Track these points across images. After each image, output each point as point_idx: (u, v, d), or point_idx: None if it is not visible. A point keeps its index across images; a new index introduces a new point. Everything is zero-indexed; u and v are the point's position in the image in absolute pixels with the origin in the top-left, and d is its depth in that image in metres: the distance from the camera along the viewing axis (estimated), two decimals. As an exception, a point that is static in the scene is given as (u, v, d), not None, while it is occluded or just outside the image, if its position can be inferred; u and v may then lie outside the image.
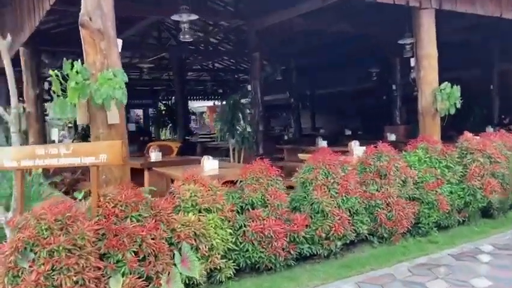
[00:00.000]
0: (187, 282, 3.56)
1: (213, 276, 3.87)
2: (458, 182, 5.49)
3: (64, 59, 3.66)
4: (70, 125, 14.55)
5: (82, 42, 3.88)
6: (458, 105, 6.15)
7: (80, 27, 3.82)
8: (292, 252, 4.20)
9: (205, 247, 3.71)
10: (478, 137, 6.08)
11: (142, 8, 8.26)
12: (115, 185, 3.83)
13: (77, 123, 3.83)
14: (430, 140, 5.72)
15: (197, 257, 3.67)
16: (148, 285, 3.37)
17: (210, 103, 23.77)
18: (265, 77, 13.47)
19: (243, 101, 8.99)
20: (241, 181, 4.31)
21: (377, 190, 4.92)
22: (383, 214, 4.82)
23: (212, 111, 21.04)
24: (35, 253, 3.15)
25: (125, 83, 3.84)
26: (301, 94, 17.66)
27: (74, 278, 3.12)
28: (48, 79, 4.04)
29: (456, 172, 5.50)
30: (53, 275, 3.10)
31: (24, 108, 7.51)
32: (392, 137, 10.31)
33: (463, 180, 5.52)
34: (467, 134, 6.01)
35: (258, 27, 9.04)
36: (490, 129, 9.31)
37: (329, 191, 4.52)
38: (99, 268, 3.26)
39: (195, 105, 26.66)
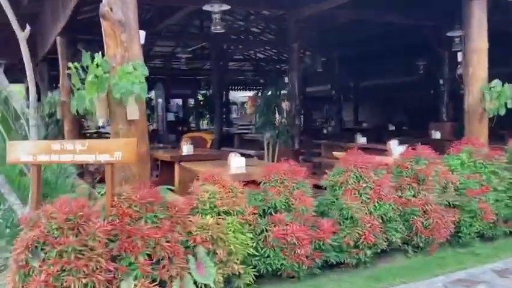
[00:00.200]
0: (202, 288, 3.40)
1: (231, 282, 3.68)
2: (506, 190, 5.03)
3: (83, 51, 3.53)
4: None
5: (103, 34, 3.75)
6: (510, 105, 5.65)
7: (100, 19, 3.69)
8: (317, 260, 3.95)
9: (223, 252, 3.52)
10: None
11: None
12: (133, 183, 3.71)
13: (96, 118, 3.71)
14: (475, 142, 5.29)
15: (214, 262, 3.49)
16: (160, 290, 3.23)
17: (252, 93, 23.54)
18: (304, 69, 13.13)
19: (283, 92, 8.72)
20: (264, 182, 4.08)
21: (413, 196, 4.57)
22: (419, 222, 4.47)
23: (253, 102, 20.85)
24: (45, 253, 3.07)
25: (146, 77, 3.68)
26: (344, 86, 17.16)
27: (84, 281, 3.02)
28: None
29: (503, 179, 5.05)
30: (62, 276, 3.02)
31: (59, 98, 7.58)
32: (437, 135, 9.79)
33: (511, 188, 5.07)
34: (519, 137, 5.53)
35: (298, 17, 8.71)
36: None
37: (360, 196, 4.22)
38: (110, 270, 3.15)
39: (237, 95, 26.57)
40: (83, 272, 3.02)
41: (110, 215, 3.30)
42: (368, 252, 4.18)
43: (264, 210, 3.95)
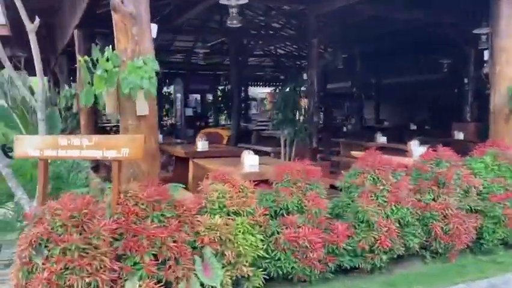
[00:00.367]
0: (209, 290, 3.29)
1: (240, 285, 3.56)
2: (533, 195, 4.78)
3: (93, 44, 3.45)
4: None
5: (114, 27, 3.65)
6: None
7: (112, 11, 3.59)
8: (330, 264, 3.80)
9: (232, 253, 3.41)
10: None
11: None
12: (142, 180, 3.62)
13: (106, 113, 3.63)
14: (501, 144, 5.04)
15: (222, 264, 3.38)
16: (166, 291, 3.13)
17: (271, 89, 23.36)
18: (324, 65, 12.90)
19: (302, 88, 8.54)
20: (276, 183, 3.93)
21: (433, 200, 4.37)
22: (438, 227, 4.27)
23: (272, 98, 20.69)
24: (49, 250, 3.00)
25: (156, 72, 3.57)
26: (366, 83, 16.84)
27: (87, 280, 2.94)
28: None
29: (530, 183, 4.80)
30: (65, 275, 2.94)
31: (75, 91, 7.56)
32: (460, 135, 9.49)
33: (539, 193, 4.81)
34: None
35: (318, 12, 8.52)
36: None
37: (377, 198, 4.05)
38: (114, 270, 3.07)
39: (257, 91, 26.40)
40: (87, 270, 2.94)
41: (116, 213, 3.21)
42: (384, 257, 4.01)
43: (275, 211, 3.82)
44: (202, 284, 3.25)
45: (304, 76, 8.98)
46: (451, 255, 4.40)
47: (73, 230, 3.01)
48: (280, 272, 3.69)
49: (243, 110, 19.03)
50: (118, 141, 3.26)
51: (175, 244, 3.21)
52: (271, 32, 14.28)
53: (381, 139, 8.56)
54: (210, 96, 17.59)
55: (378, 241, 3.90)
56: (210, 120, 17.86)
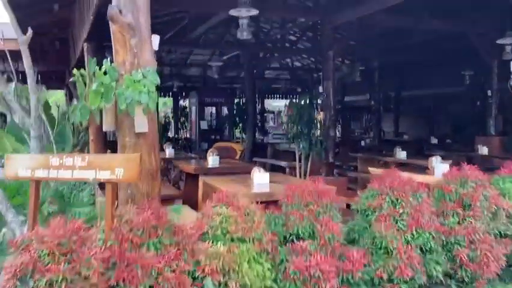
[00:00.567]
0: (210, 325, 2.99)
1: (245, 318, 3.26)
2: None
3: (89, 57, 3.22)
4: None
5: (112, 39, 3.43)
6: None
7: (109, 22, 3.37)
8: (344, 295, 3.47)
9: (236, 284, 3.11)
10: None
11: (190, 2, 7.86)
12: (140, 202, 3.36)
13: (104, 129, 3.40)
14: (532, 162, 4.67)
15: (225, 296, 3.08)
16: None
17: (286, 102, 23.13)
18: (341, 78, 12.59)
19: (319, 102, 8.24)
20: (286, 205, 3.63)
21: (458, 223, 4.02)
22: (464, 253, 3.91)
23: (288, 111, 20.41)
24: (35, 281, 2.75)
25: (156, 86, 3.33)
26: (385, 96, 16.45)
27: (75, 314, 2.68)
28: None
29: None
30: (52, 308, 2.69)
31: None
32: (484, 150, 9.02)
33: None
34: None
35: (333, 24, 8.24)
36: None
37: (396, 222, 3.72)
38: (106, 303, 2.80)
39: (274, 103, 26.16)
40: (75, 304, 2.69)
41: (109, 239, 2.95)
42: (404, 287, 3.66)
43: (284, 236, 3.51)
44: (202, 318, 2.96)
45: (320, 89, 8.67)
46: (478, 284, 4.01)
47: (61, 259, 2.77)
48: (290, 304, 3.37)
49: (259, 123, 18.79)
50: (111, 161, 3.01)
51: (173, 274, 2.94)
52: (287, 45, 14.08)
53: (401, 154, 8.18)
54: (225, 110, 17.41)
55: (398, 269, 3.56)
56: (225, 134, 17.65)
